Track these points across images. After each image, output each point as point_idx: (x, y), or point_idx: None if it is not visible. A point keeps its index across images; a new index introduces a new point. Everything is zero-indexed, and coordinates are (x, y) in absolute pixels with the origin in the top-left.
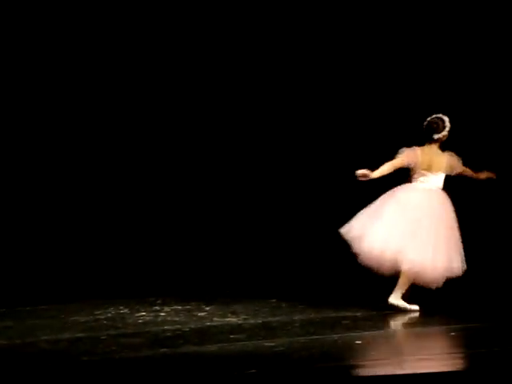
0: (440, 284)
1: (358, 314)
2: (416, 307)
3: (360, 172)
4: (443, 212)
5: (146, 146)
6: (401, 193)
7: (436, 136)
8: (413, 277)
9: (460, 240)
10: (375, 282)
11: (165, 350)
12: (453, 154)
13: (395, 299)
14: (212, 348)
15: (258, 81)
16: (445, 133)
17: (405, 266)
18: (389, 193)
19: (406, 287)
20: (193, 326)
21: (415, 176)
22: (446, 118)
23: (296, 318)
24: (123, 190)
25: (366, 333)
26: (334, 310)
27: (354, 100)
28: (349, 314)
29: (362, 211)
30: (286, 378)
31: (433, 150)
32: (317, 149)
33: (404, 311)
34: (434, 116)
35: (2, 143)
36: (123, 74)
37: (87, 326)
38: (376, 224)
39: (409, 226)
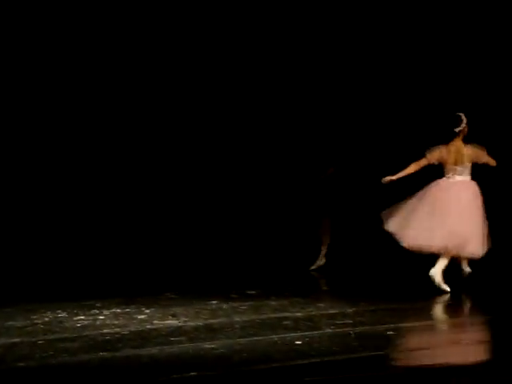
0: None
1: (299, 314)
2: (447, 288)
3: (387, 179)
4: (472, 199)
5: (134, 142)
6: (435, 187)
7: (457, 129)
8: (453, 252)
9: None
10: (316, 282)
11: (104, 353)
12: (476, 145)
13: (436, 273)
14: (152, 351)
15: (258, 81)
16: (463, 125)
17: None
18: (425, 189)
19: (446, 262)
20: (132, 329)
21: (446, 171)
22: (461, 114)
23: (237, 319)
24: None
25: (307, 333)
26: (274, 310)
27: (367, 103)
28: (289, 314)
29: (401, 205)
30: (227, 380)
31: (457, 144)
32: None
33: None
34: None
35: (2, 142)
36: (124, 74)
37: (24, 330)
38: (417, 216)
39: (447, 212)
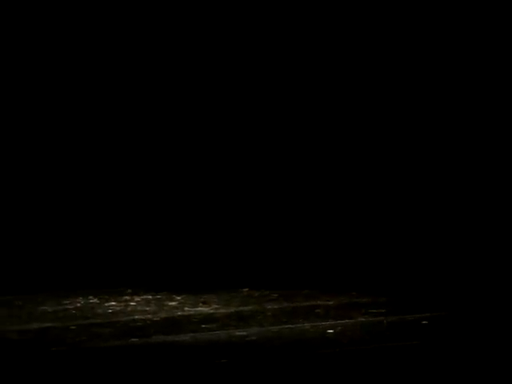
0: None
1: (331, 302)
2: None
3: None
4: None
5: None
6: None
7: None
8: None
9: None
10: (348, 271)
11: (135, 339)
12: None
13: None
14: (183, 338)
15: (258, 80)
16: None
17: None
18: None
19: None
20: (163, 316)
21: None
22: None
23: (268, 307)
24: (91, 183)
25: (339, 321)
26: (306, 298)
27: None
28: (321, 302)
29: None
30: (258, 367)
31: None
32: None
33: None
34: None
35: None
36: (124, 73)
37: (56, 315)
38: None
39: None
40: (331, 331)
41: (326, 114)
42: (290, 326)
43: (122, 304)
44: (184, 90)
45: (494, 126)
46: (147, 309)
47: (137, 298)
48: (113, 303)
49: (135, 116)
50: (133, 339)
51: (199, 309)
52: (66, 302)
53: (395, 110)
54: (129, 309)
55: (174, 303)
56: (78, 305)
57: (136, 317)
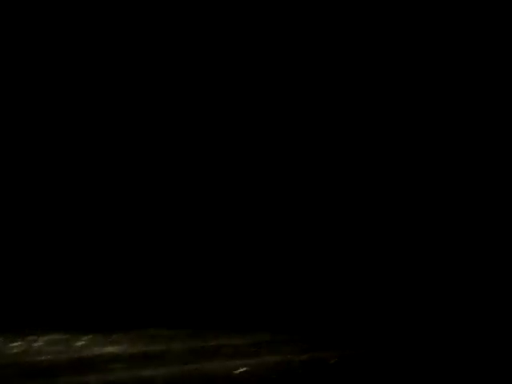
0: None
1: (241, 341)
2: None
3: None
4: None
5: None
6: None
7: None
8: None
9: None
10: (262, 309)
11: (40, 380)
12: None
13: None
14: (90, 378)
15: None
16: None
17: None
18: None
19: None
20: (70, 356)
21: None
22: None
23: (176, 346)
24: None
25: (248, 361)
26: (214, 337)
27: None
28: (231, 341)
29: None
30: None
31: None
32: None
33: None
34: None
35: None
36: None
37: None
38: None
39: None
40: (240, 370)
41: (325, 113)
42: (198, 365)
43: (28, 343)
44: (182, 87)
45: (494, 126)
46: (54, 349)
47: (43, 338)
48: (18, 343)
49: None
50: (37, 380)
51: (107, 348)
52: None
53: (395, 110)
54: (35, 349)
55: (81, 343)
56: None
57: (42, 357)
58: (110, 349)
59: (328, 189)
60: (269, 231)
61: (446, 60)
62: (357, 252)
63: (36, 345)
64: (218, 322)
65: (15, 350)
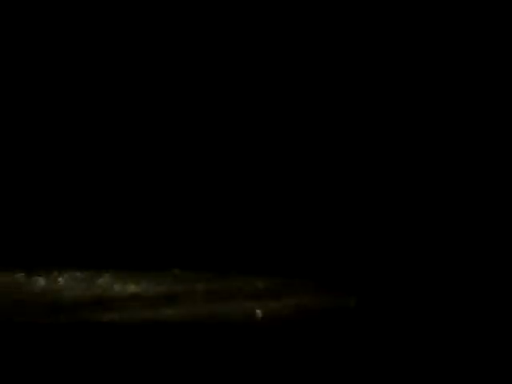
0: None
1: (261, 285)
2: None
3: None
4: None
5: None
6: None
7: None
8: None
9: None
10: (284, 249)
11: (62, 317)
12: None
13: None
14: (111, 316)
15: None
16: None
17: None
18: None
19: None
20: (92, 294)
21: None
22: None
23: (199, 287)
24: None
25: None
26: (238, 279)
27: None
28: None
29: None
30: (186, 347)
31: None
32: None
33: None
34: None
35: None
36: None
37: None
38: None
39: None
40: (260, 313)
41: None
42: (219, 307)
43: (51, 280)
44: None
45: (494, 126)
46: (76, 286)
47: (66, 275)
48: (41, 280)
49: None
50: (59, 317)
51: (129, 287)
52: None
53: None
54: (57, 286)
55: (104, 281)
56: (3, 279)
57: (65, 294)
58: (132, 288)
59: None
60: (289, 176)
61: (445, 60)
62: (375, 199)
63: (58, 281)
64: (241, 266)
65: (38, 287)
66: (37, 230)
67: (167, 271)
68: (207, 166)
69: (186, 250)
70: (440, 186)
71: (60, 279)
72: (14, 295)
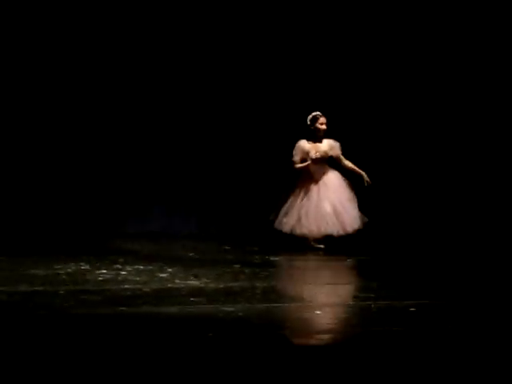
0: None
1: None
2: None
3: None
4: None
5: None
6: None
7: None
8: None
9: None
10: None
11: (123, 308)
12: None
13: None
14: (171, 309)
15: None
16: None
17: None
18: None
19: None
20: (153, 287)
21: None
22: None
23: (258, 284)
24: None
25: (324, 304)
26: (296, 279)
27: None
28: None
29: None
30: (242, 342)
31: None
32: None
33: None
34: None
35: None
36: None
37: (46, 279)
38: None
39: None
40: (319, 312)
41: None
42: (278, 304)
43: (113, 272)
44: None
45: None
46: (138, 279)
47: (128, 268)
48: (104, 271)
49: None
50: (121, 308)
51: (189, 282)
52: (57, 266)
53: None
54: (119, 278)
55: (164, 275)
56: (69, 270)
57: (126, 286)
58: (193, 282)
59: None
60: None
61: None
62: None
63: (121, 274)
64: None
65: (101, 278)
66: (102, 223)
67: (228, 268)
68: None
69: (247, 247)
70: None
71: (123, 272)
72: (79, 286)
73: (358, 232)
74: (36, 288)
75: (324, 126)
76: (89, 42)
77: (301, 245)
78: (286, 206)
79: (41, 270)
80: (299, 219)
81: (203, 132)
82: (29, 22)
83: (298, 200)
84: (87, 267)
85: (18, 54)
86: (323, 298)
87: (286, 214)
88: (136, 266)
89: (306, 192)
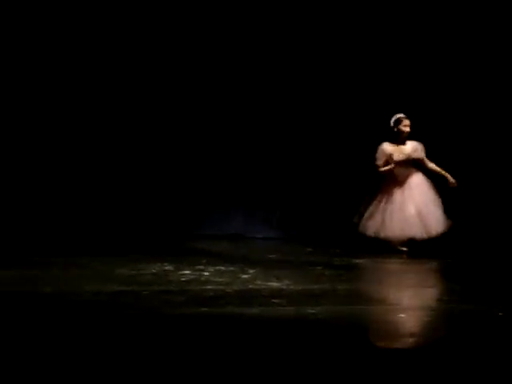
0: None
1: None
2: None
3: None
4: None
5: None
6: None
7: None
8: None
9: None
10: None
11: (205, 309)
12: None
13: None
14: (253, 311)
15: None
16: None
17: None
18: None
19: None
20: (235, 288)
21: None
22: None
23: (340, 287)
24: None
25: (408, 307)
26: (379, 281)
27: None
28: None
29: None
30: (324, 344)
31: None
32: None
33: None
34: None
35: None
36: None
37: (130, 280)
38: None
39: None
40: (403, 315)
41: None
42: (361, 307)
43: (196, 273)
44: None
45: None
46: (220, 280)
47: (210, 269)
48: (187, 272)
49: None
50: (203, 308)
51: (271, 283)
52: (141, 267)
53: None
54: (202, 278)
55: (246, 276)
56: (153, 271)
57: (208, 287)
58: (274, 284)
59: None
60: None
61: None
62: None
63: (204, 275)
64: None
65: (184, 279)
66: (182, 225)
67: (310, 270)
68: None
69: (327, 249)
70: None
71: (205, 273)
72: (162, 286)
73: (442, 235)
74: (121, 288)
75: (408, 129)
76: (89, 47)
77: (385, 247)
78: (370, 208)
79: (126, 270)
80: (383, 222)
81: (288, 134)
82: (29, 22)
83: (382, 203)
84: (170, 268)
85: (18, 54)
86: (406, 301)
87: (370, 216)
88: (218, 267)
89: (390, 195)
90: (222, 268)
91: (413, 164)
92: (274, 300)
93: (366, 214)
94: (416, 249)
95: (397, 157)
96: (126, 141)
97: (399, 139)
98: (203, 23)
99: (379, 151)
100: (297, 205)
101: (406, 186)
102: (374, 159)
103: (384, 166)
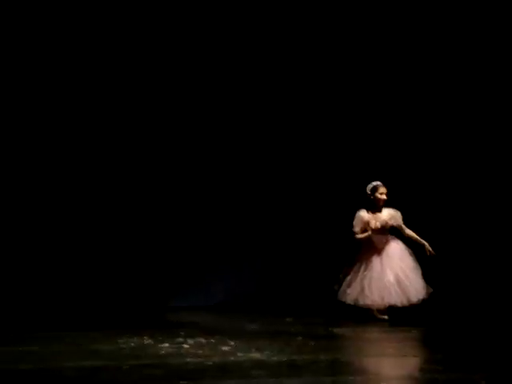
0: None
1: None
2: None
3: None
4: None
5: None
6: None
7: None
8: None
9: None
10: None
11: (184, 382)
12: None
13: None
14: (233, 383)
15: (258, 81)
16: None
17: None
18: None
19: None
20: (215, 360)
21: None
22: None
23: (322, 357)
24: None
25: (391, 377)
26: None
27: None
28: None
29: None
30: None
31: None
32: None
33: None
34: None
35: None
36: (124, 73)
37: (109, 355)
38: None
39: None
40: None
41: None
42: (343, 377)
43: (175, 346)
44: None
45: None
46: (200, 352)
47: (190, 341)
48: (166, 345)
49: (135, 116)
50: (184, 382)
51: (252, 355)
52: (120, 341)
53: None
54: (181, 351)
55: (227, 348)
56: (132, 344)
57: (188, 360)
58: (255, 355)
59: None
60: None
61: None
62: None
63: (183, 347)
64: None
65: (163, 352)
66: (159, 296)
67: (291, 340)
68: None
69: (308, 320)
70: None
71: (185, 345)
72: (142, 360)
73: (422, 302)
74: (101, 363)
75: (384, 196)
76: (89, 47)
77: (365, 316)
78: (349, 276)
79: (105, 344)
80: (362, 290)
81: (264, 201)
82: (29, 22)
83: (361, 271)
84: (150, 341)
85: (19, 55)
86: (389, 371)
87: (349, 284)
88: (198, 339)
89: (369, 262)
90: (202, 340)
91: (391, 231)
92: (255, 372)
93: (345, 282)
94: (396, 317)
95: (374, 224)
96: (100, 213)
97: (376, 207)
98: (203, 23)
99: (356, 218)
100: (277, 273)
101: (384, 253)
102: (352, 226)
103: (361, 232)
